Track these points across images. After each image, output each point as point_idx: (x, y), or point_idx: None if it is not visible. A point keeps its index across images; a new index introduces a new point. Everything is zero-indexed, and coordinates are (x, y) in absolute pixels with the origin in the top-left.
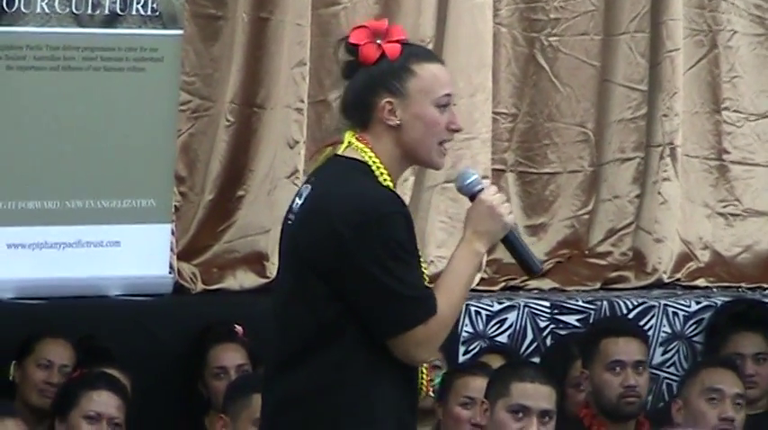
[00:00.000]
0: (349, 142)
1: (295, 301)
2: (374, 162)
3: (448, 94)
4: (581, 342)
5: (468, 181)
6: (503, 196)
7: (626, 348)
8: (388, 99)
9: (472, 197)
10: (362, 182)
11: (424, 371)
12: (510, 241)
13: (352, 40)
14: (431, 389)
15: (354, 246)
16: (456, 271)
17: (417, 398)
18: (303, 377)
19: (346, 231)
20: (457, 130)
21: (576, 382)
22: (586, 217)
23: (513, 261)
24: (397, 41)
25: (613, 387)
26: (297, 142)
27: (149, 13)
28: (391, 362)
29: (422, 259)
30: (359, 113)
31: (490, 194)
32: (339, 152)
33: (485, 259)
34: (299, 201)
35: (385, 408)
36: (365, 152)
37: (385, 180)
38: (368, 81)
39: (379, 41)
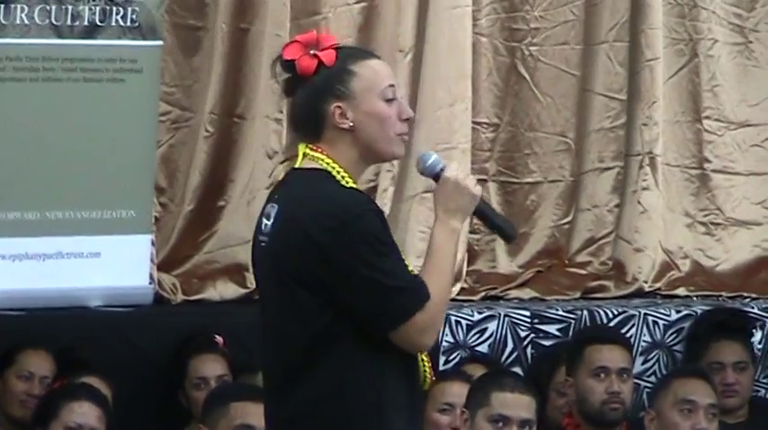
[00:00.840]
0: (304, 153)
1: (285, 317)
2: (333, 167)
3: (391, 85)
4: (566, 349)
5: (429, 161)
6: (466, 170)
7: (610, 355)
8: (336, 104)
9: (436, 177)
10: (327, 187)
11: (425, 359)
12: (482, 211)
13: (286, 57)
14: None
15: (335, 252)
16: (439, 251)
17: (421, 392)
18: (310, 388)
19: (322, 238)
20: (408, 119)
21: (559, 388)
22: (566, 226)
23: (492, 271)
24: (331, 47)
25: (597, 393)
26: (276, 152)
27: (129, 24)
28: (391, 359)
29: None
30: (310, 125)
31: (453, 170)
32: (296, 165)
33: (465, 268)
34: (267, 222)
35: (392, 404)
36: (321, 159)
37: (347, 182)
38: (313, 92)
39: (313, 51)
